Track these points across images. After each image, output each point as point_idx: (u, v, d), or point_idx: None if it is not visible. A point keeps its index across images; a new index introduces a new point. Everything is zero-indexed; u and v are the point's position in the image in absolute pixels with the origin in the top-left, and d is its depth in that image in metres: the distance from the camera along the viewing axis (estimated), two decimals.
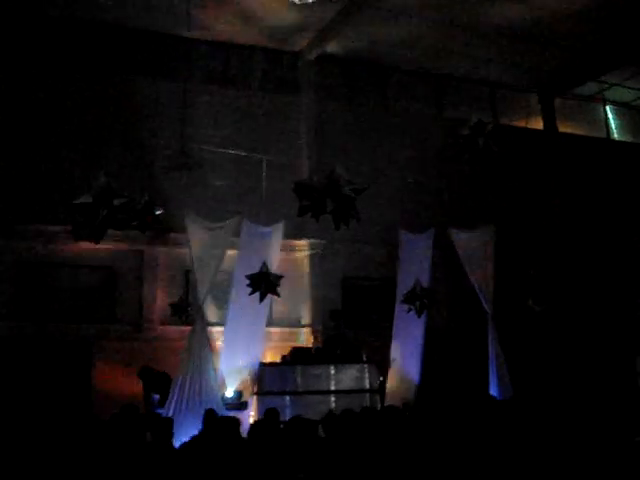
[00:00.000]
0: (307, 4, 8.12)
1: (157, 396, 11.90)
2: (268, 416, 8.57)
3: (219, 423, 7.36)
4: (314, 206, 6.47)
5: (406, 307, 12.09)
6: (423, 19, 14.11)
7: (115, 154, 12.87)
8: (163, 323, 13.65)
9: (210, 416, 9.49)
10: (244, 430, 7.91)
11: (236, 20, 14.14)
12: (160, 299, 13.80)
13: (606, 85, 17.99)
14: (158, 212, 7.73)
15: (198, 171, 12.66)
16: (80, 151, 13.23)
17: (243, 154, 14.21)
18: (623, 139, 19.31)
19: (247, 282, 10.58)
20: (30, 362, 12.48)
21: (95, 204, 5.97)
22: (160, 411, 11.48)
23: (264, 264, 10.46)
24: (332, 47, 15.34)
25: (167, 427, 7.16)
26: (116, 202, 6.05)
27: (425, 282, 12.60)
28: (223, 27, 14.33)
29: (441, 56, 15.96)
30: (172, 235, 13.45)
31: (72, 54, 13.93)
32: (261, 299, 10.46)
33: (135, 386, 12.18)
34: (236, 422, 7.25)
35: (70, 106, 13.47)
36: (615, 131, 19.24)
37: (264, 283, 10.18)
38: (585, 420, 7.99)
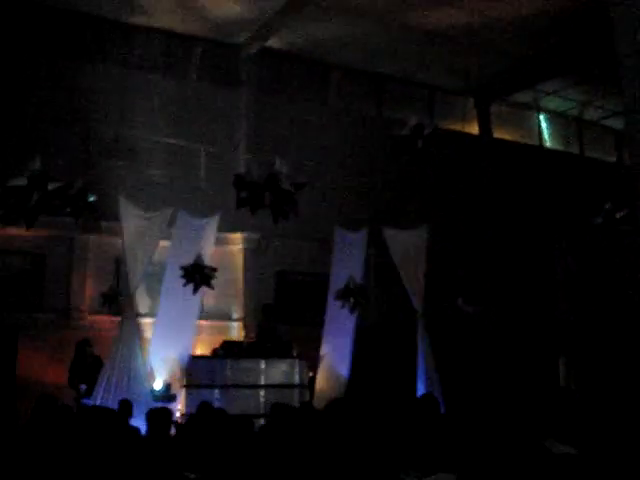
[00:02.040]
0: None
1: (84, 386, 11.69)
2: (201, 410, 8.54)
3: (151, 415, 7.26)
4: (252, 199, 6.49)
5: (339, 303, 12.18)
6: (363, 19, 14.21)
7: (50, 138, 12.55)
8: (92, 312, 13.41)
9: (125, 408, 9.40)
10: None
11: (178, 9, 13.97)
12: (90, 288, 13.55)
13: (541, 94, 18.43)
14: (92, 198, 7.61)
15: (134, 159, 12.52)
16: (15, 134, 12.85)
17: (180, 144, 14.07)
18: (555, 147, 19.83)
19: (180, 274, 10.53)
20: None
21: (29, 188, 5.83)
22: (87, 401, 11.32)
23: (199, 256, 10.42)
24: (273, 42, 15.29)
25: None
26: (50, 187, 5.92)
27: (358, 279, 12.71)
28: (165, 15, 14.15)
29: (381, 56, 16.10)
30: (104, 223, 13.20)
31: (10, 36, 13.52)
32: (195, 291, 10.42)
33: (61, 377, 11.94)
34: (168, 414, 7.18)
35: (5, 88, 13.08)
36: (548, 139, 19.76)
37: (198, 275, 10.14)
38: (501, 419, 8.19)
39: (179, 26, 14.68)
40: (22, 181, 5.92)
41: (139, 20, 13.85)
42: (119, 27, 13.95)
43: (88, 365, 11.78)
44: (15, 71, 13.28)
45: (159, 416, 7.06)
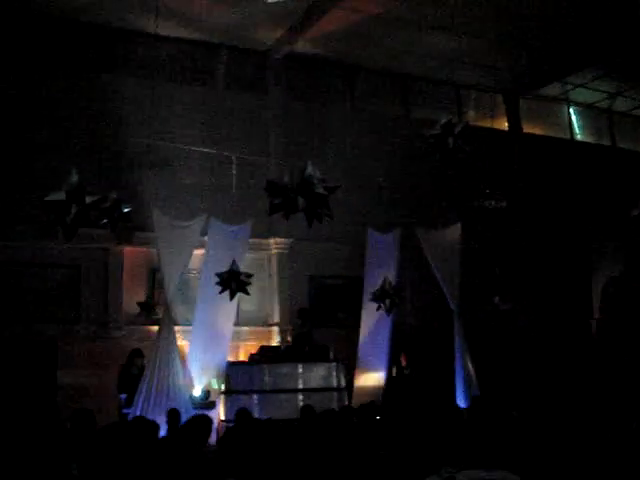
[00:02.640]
0: (278, 3, 8.10)
1: (124, 395, 11.79)
2: (240, 418, 8.58)
3: (191, 423, 7.29)
4: (285, 204, 6.49)
5: (374, 305, 12.16)
6: (389, 19, 14.18)
7: (83, 151, 12.67)
8: (129, 322, 13.53)
9: (174, 416, 9.47)
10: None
11: (203, 17, 14.05)
12: (126, 298, 13.67)
13: (570, 86, 18.24)
14: (126, 210, 7.67)
15: (165, 169, 12.58)
16: (48, 148, 13.02)
17: (211, 152, 14.14)
18: (586, 140, 19.61)
19: (215, 281, 10.58)
20: None
21: (67, 201, 5.91)
22: (127, 411, 11.41)
23: (234, 262, 10.45)
24: (299, 46, 15.30)
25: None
26: (88, 199, 6.00)
27: (393, 280, 12.68)
28: (191, 24, 14.24)
29: (407, 56, 16.06)
30: (138, 234, 13.32)
31: (42, 51, 13.70)
32: (231, 297, 10.46)
33: (101, 386, 12.07)
34: (208, 421, 7.21)
35: (38, 103, 13.24)
36: (578, 132, 19.54)
37: (234, 281, 10.17)
38: (552, 416, 8.12)
39: (205, 35, 14.77)
40: (60, 195, 6.00)
41: (166, 31, 13.93)
42: (147, 38, 14.03)
43: (133, 375, 11.88)
44: (48, 85, 13.44)
45: (199, 424, 7.09)
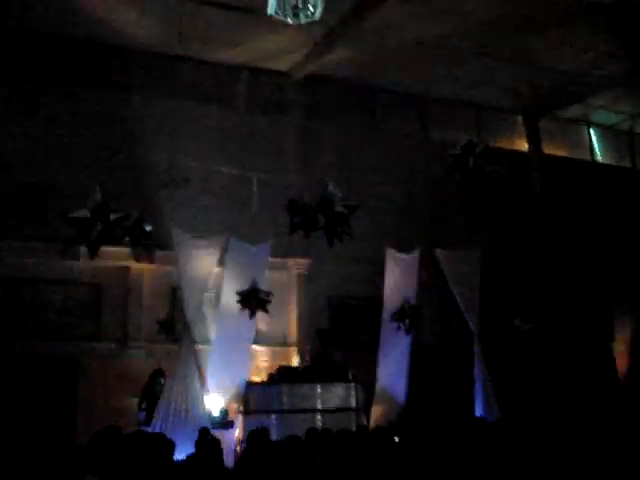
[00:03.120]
0: (299, 24, 8.16)
1: (143, 413, 11.82)
2: (258, 437, 8.54)
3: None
4: (306, 223, 6.53)
5: (393, 325, 12.14)
6: (408, 41, 14.26)
7: (106, 170, 12.79)
8: (149, 341, 13.57)
9: (204, 435, 9.47)
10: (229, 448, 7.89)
11: (225, 39, 14.22)
12: (146, 317, 13.71)
13: (591, 108, 18.20)
14: (148, 228, 7.74)
15: (186, 188, 12.68)
16: (67, 166, 13.20)
17: (232, 172, 14.24)
18: (607, 162, 19.53)
19: (234, 300, 10.63)
20: (15, 379, 12.34)
21: (92, 218, 5.99)
22: (145, 428, 11.42)
23: (254, 280, 10.50)
24: (319, 68, 15.42)
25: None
26: (112, 217, 6.07)
27: (412, 301, 12.66)
28: (212, 46, 14.40)
29: (427, 78, 16.12)
30: (159, 252, 13.40)
31: (68, 72, 13.92)
32: (251, 315, 10.49)
33: (121, 404, 12.11)
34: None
35: (61, 122, 13.46)
36: (599, 153, 19.47)
37: (254, 300, 10.21)
38: (573, 438, 8.04)
39: (226, 56, 14.92)
40: (85, 213, 6.08)
41: (187, 52, 14.10)
42: (169, 59, 14.23)
43: (155, 394, 11.93)
44: (72, 105, 13.65)
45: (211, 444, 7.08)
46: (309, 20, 8.06)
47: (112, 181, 12.46)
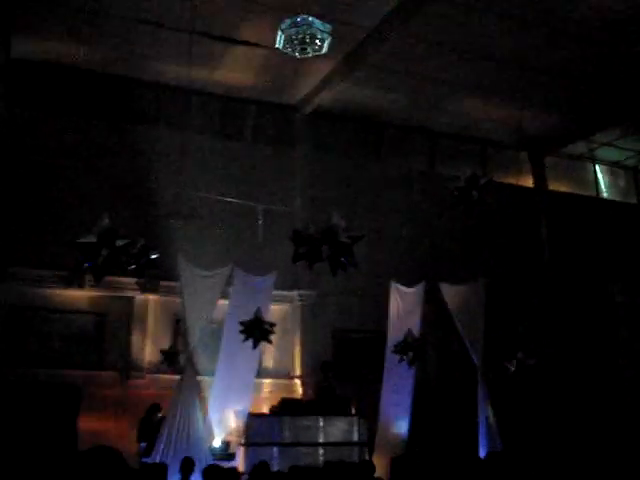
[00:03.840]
0: (306, 57, 8.32)
1: (144, 444, 11.78)
2: (259, 470, 8.48)
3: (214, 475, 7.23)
4: (310, 253, 6.56)
5: (397, 359, 12.11)
6: (416, 77, 14.42)
7: (112, 200, 12.89)
8: (151, 371, 13.57)
9: (187, 465, 9.40)
10: None
11: (233, 73, 14.40)
12: (149, 347, 13.77)
13: (596, 145, 18.31)
14: (154, 256, 7.79)
15: (192, 219, 12.75)
16: (76, 196, 13.34)
17: (238, 203, 14.34)
18: (612, 198, 19.58)
19: (237, 332, 10.63)
20: (17, 405, 12.30)
21: (98, 244, 6.05)
22: (146, 460, 11.37)
23: (258, 310, 10.51)
24: (326, 102, 15.58)
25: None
26: (118, 243, 6.14)
27: (416, 334, 12.64)
28: (221, 79, 14.59)
29: (433, 113, 16.28)
30: (163, 283, 13.48)
31: (74, 102, 14.14)
32: (254, 345, 10.48)
33: (122, 433, 12.06)
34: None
35: (69, 151, 13.63)
36: (604, 190, 19.53)
37: (258, 330, 10.21)
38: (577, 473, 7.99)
39: (235, 90, 15.09)
40: (92, 238, 6.15)
41: (197, 85, 14.28)
42: (178, 92, 14.39)
43: (153, 426, 11.92)
44: (80, 135, 13.82)
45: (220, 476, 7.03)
46: (316, 54, 8.22)
47: (119, 211, 12.60)
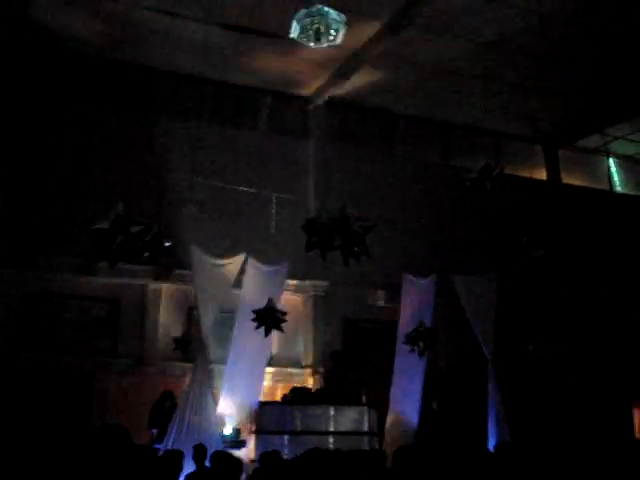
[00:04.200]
0: (321, 47, 8.34)
1: (156, 430, 11.89)
2: (269, 459, 8.53)
3: (221, 460, 7.29)
4: (322, 242, 6.59)
5: (408, 349, 12.15)
6: (428, 68, 14.42)
7: (125, 188, 12.95)
8: (164, 359, 13.67)
9: (200, 452, 9.47)
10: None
11: (248, 64, 14.44)
12: (162, 335, 13.85)
13: (610, 138, 18.24)
14: (167, 244, 7.84)
15: (206, 208, 12.81)
16: (92, 184, 13.42)
17: (251, 192, 14.40)
18: (626, 192, 19.52)
19: (249, 321, 10.70)
20: (31, 393, 12.46)
21: (113, 229, 6.13)
22: (158, 446, 11.46)
23: (270, 299, 10.58)
24: (339, 93, 15.60)
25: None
26: (133, 229, 6.21)
27: (427, 325, 12.67)
28: (235, 71, 14.63)
29: (446, 104, 16.26)
30: (176, 271, 13.55)
31: (92, 92, 14.21)
32: (266, 333, 10.54)
33: (134, 420, 12.15)
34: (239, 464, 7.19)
35: (84, 140, 13.71)
36: (618, 184, 19.45)
37: (270, 318, 10.28)
38: (583, 468, 8.01)
39: (249, 80, 15.14)
40: (106, 224, 6.23)
41: (211, 75, 14.33)
42: (192, 81, 14.46)
43: (165, 413, 12.02)
44: (93, 124, 13.90)
45: (229, 464, 7.07)
46: (331, 44, 8.25)
47: (132, 199, 12.69)
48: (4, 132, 13.02)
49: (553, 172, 18.34)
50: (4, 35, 12.90)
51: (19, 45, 13.30)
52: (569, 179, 18.58)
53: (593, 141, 18.40)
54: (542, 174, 18.33)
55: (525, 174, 17.67)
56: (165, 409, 12.23)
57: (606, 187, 19.25)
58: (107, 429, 5.77)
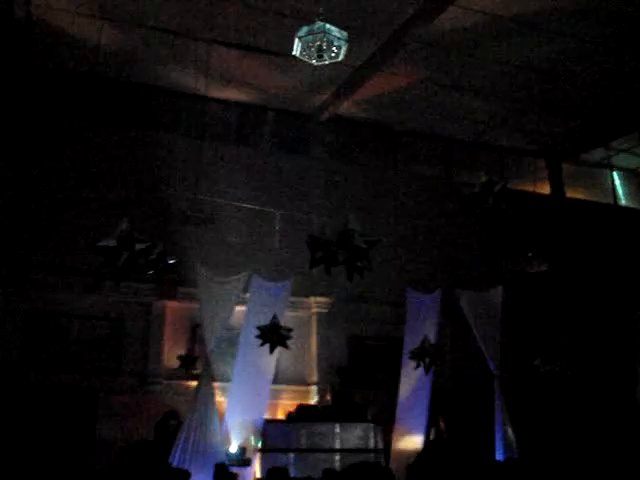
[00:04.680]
0: (323, 65, 8.37)
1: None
2: (277, 475, 8.52)
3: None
4: (326, 258, 6.59)
5: (413, 364, 12.11)
6: (432, 84, 14.46)
7: (130, 206, 12.96)
8: (169, 377, 13.63)
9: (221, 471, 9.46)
10: None
11: (250, 81, 14.52)
12: (167, 353, 13.81)
13: (613, 151, 18.25)
14: (171, 261, 7.86)
15: (210, 226, 12.82)
16: (94, 202, 13.46)
17: (255, 208, 14.44)
18: (630, 205, 19.49)
19: (254, 338, 10.69)
20: (35, 412, 12.44)
21: (118, 247, 6.14)
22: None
23: (275, 316, 10.57)
24: (343, 109, 15.66)
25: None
26: (138, 247, 6.22)
27: (432, 341, 12.63)
28: (238, 88, 14.71)
29: (449, 120, 16.29)
30: (181, 289, 13.56)
31: (96, 109, 14.30)
32: (271, 350, 10.53)
33: (139, 438, 12.13)
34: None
35: (89, 158, 13.77)
36: (622, 197, 19.43)
37: (275, 335, 10.27)
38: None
39: (252, 97, 15.21)
40: (111, 242, 6.24)
41: (214, 92, 14.40)
42: (196, 99, 14.49)
43: (169, 432, 11.99)
44: (98, 142, 13.96)
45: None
46: (333, 61, 8.28)
47: (137, 218, 12.72)
48: (8, 150, 13.10)
49: (556, 186, 18.34)
50: (9, 54, 13.02)
51: (23, 63, 13.40)
52: (573, 193, 18.57)
53: (597, 154, 18.41)
54: (546, 188, 18.33)
55: (528, 188, 17.61)
56: (169, 429, 12.20)
57: (610, 200, 19.23)
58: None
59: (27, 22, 12.34)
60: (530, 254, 13.30)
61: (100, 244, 6.29)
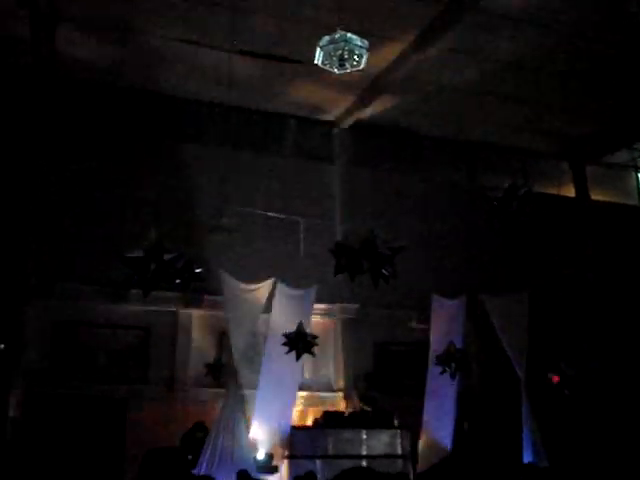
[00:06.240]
0: (345, 72, 8.43)
1: (190, 456, 11.92)
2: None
3: None
4: (351, 265, 6.64)
5: (439, 370, 12.10)
6: (454, 88, 14.46)
7: (156, 215, 13.08)
8: (196, 385, 13.71)
9: (243, 477, 9.53)
10: None
11: (273, 90, 14.61)
12: (193, 361, 13.90)
13: (638, 153, 18.09)
14: (198, 270, 7.93)
15: (235, 234, 12.92)
16: (121, 211, 13.62)
17: (280, 216, 14.51)
18: None
19: (280, 345, 10.75)
20: (64, 422, 12.57)
21: (147, 258, 6.23)
22: (192, 471, 11.50)
23: (300, 323, 10.62)
24: (364, 116, 15.69)
25: None
26: (166, 257, 6.30)
27: (458, 346, 12.62)
28: (261, 97, 14.81)
29: (472, 125, 16.26)
30: (207, 297, 13.64)
31: (122, 121, 14.43)
32: (297, 357, 10.58)
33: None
34: None
35: (114, 170, 13.92)
36: None
37: (301, 342, 10.32)
38: None
39: (274, 106, 15.30)
40: (140, 252, 6.33)
41: (237, 102, 14.49)
42: (218, 109, 14.59)
43: (197, 442, 12.06)
44: (123, 153, 14.12)
45: None
46: (354, 70, 8.34)
47: (163, 226, 12.84)
48: (37, 163, 13.29)
49: (581, 189, 18.18)
50: (32, 68, 13.21)
51: (47, 76, 13.57)
52: (598, 195, 18.41)
53: (621, 156, 18.25)
54: (570, 191, 18.19)
55: (553, 191, 17.51)
56: (196, 441, 12.25)
57: (635, 202, 19.04)
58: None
59: (50, 38, 12.52)
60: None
61: (129, 255, 6.37)
